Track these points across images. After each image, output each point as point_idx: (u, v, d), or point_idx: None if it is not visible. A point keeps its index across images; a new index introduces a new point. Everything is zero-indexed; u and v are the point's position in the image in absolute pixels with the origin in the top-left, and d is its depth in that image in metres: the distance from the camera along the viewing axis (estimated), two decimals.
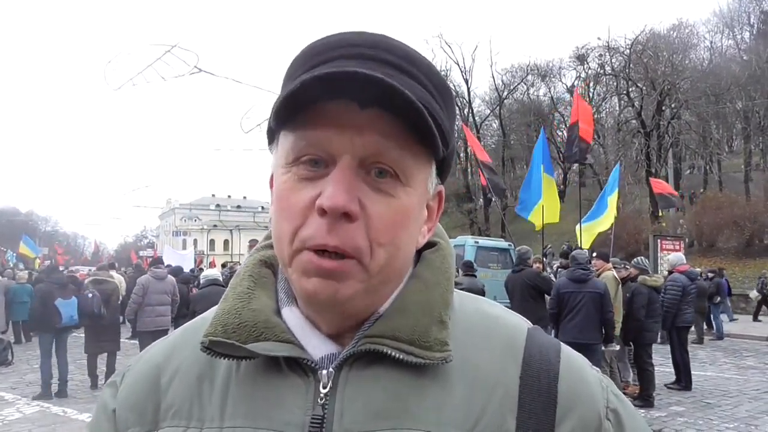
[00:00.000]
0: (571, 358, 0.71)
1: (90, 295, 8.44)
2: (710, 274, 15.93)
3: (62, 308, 8.23)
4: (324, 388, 0.65)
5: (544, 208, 11.58)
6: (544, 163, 11.90)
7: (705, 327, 14.03)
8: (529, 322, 0.76)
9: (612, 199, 13.00)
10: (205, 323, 0.70)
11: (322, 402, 0.64)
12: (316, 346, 0.67)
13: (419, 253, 0.74)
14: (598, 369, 0.73)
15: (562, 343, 0.73)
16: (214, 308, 0.72)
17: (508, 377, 0.66)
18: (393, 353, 0.64)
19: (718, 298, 15.17)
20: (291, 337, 0.67)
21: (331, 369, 0.65)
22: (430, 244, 0.75)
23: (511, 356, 0.68)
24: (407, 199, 0.65)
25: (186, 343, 0.73)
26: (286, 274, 0.68)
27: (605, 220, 13.00)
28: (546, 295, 8.01)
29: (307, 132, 0.63)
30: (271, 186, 0.71)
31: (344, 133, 0.61)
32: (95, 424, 0.74)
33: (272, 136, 0.69)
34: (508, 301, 8.24)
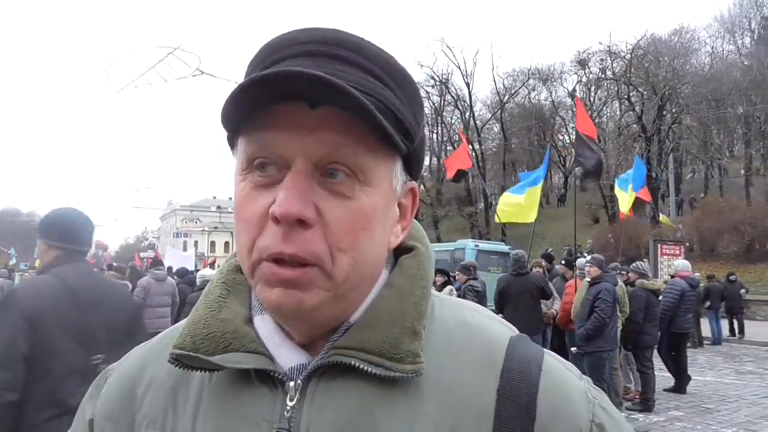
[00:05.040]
0: (554, 369, 0.66)
1: None
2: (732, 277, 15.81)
3: None
4: (291, 400, 0.62)
5: (523, 207, 11.32)
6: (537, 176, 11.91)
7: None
8: (515, 331, 0.72)
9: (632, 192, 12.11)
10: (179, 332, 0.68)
11: (288, 415, 0.62)
12: (286, 357, 0.65)
13: (397, 256, 0.71)
14: (588, 380, 0.70)
15: (548, 352, 0.69)
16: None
17: (484, 391, 0.63)
18: (361, 365, 0.61)
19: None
20: (260, 347, 0.64)
21: (299, 381, 0.63)
22: (407, 249, 0.72)
23: (489, 369, 0.64)
24: (367, 199, 0.61)
25: (162, 352, 0.70)
26: (251, 284, 0.65)
27: (629, 200, 12.09)
28: (543, 300, 7.96)
29: (258, 134, 0.60)
30: None
31: (295, 134, 0.58)
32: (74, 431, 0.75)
33: (232, 143, 0.66)
34: (493, 305, 8.01)
